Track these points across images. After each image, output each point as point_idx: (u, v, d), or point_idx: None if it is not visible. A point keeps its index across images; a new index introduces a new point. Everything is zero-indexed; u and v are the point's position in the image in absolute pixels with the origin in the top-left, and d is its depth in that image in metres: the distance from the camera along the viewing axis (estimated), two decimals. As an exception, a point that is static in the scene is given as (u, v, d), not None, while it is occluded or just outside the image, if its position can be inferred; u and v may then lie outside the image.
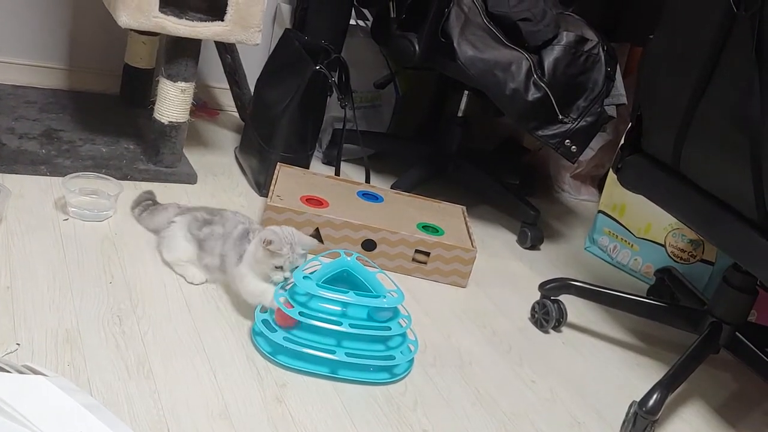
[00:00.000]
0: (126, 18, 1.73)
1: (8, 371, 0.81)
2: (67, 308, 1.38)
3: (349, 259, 1.45)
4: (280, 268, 1.43)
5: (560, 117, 1.93)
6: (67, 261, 1.52)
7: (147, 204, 1.71)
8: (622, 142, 1.67)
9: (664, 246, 2.04)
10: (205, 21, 1.81)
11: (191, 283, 1.54)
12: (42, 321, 1.33)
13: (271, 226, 1.50)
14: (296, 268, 1.44)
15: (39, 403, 0.77)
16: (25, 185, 1.73)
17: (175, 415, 1.19)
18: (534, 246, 2.11)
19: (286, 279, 1.43)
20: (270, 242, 1.42)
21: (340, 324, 1.38)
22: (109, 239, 1.63)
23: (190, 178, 1.95)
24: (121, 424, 0.82)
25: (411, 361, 1.47)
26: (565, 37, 1.91)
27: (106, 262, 1.55)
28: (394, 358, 1.42)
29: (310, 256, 1.49)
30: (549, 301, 1.72)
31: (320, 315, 1.39)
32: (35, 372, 0.83)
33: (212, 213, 1.58)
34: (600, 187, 2.37)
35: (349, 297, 1.39)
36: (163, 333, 1.39)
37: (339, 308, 1.40)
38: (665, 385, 1.45)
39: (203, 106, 2.38)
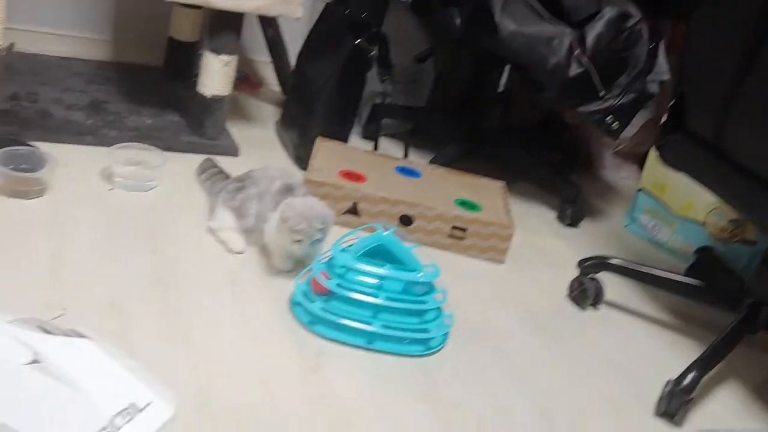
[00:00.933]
0: (170, -9, 1.75)
1: (55, 334, 0.84)
2: (112, 276, 1.42)
3: (385, 233, 1.46)
4: (299, 242, 1.46)
5: (602, 93, 1.91)
6: (112, 230, 1.56)
7: (213, 171, 1.74)
8: (665, 119, 1.65)
9: (704, 225, 2.02)
10: (248, -6, 1.82)
11: (231, 251, 1.57)
12: (87, 288, 1.37)
13: (291, 200, 1.52)
14: (316, 241, 1.48)
15: (83, 364, 0.80)
16: (71, 155, 1.77)
17: (215, 382, 1.23)
18: (573, 223, 2.10)
19: (305, 253, 1.49)
20: (287, 219, 1.45)
21: (376, 296, 1.40)
22: (153, 209, 1.67)
23: (232, 150, 1.98)
24: (162, 386, 0.85)
25: (446, 335, 1.48)
26: (608, 13, 1.88)
27: (150, 231, 1.59)
28: (429, 332, 1.44)
29: (348, 229, 1.51)
30: (587, 279, 1.72)
31: (357, 287, 1.41)
32: (81, 335, 0.86)
33: (241, 179, 1.61)
34: (641, 165, 2.34)
35: (386, 270, 1.41)
36: (205, 301, 1.42)
37: (375, 281, 1.42)
38: (701, 365, 1.45)
39: (246, 80, 2.40)
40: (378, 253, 1.46)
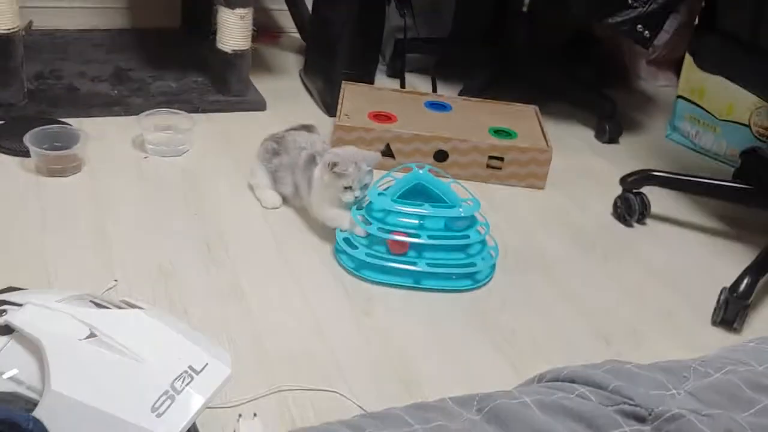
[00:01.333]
0: (178, -50, 1.72)
1: (107, 307, 0.85)
2: (158, 242, 1.44)
3: (421, 171, 1.45)
4: (350, 188, 1.43)
5: (630, 2, 1.84)
6: (152, 197, 1.57)
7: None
8: (697, 22, 1.59)
9: (748, 126, 1.96)
10: (256, -57, 1.78)
11: (265, 208, 1.58)
12: (136, 257, 1.39)
13: (332, 149, 1.50)
14: (365, 185, 1.45)
15: (138, 334, 0.81)
16: (102, 127, 1.78)
17: (270, 335, 1.24)
18: (613, 139, 2.06)
19: (356, 198, 1.44)
20: (335, 164, 1.42)
21: (418, 236, 1.40)
22: (189, 173, 1.68)
23: (260, 105, 1.97)
24: (217, 347, 0.86)
25: (493, 266, 1.47)
26: None
27: (189, 195, 1.60)
28: (476, 265, 1.43)
29: (383, 172, 1.50)
30: (631, 195, 1.69)
31: (399, 229, 1.40)
32: (132, 306, 0.87)
33: (278, 141, 1.59)
34: (678, 71, 2.28)
35: (425, 209, 1.40)
36: (251, 258, 1.43)
37: (416, 221, 1.41)
38: (756, 269, 1.42)
39: (263, 31, 2.37)
40: (416, 193, 1.44)
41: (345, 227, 1.45)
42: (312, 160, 1.51)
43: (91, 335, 0.79)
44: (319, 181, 1.47)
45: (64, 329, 0.80)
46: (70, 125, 1.70)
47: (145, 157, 1.71)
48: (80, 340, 0.79)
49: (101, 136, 1.74)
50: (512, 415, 0.46)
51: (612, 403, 0.47)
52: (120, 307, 0.87)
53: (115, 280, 1.31)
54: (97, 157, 1.67)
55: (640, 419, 0.46)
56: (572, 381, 0.51)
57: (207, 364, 0.80)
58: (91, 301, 0.87)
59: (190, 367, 0.79)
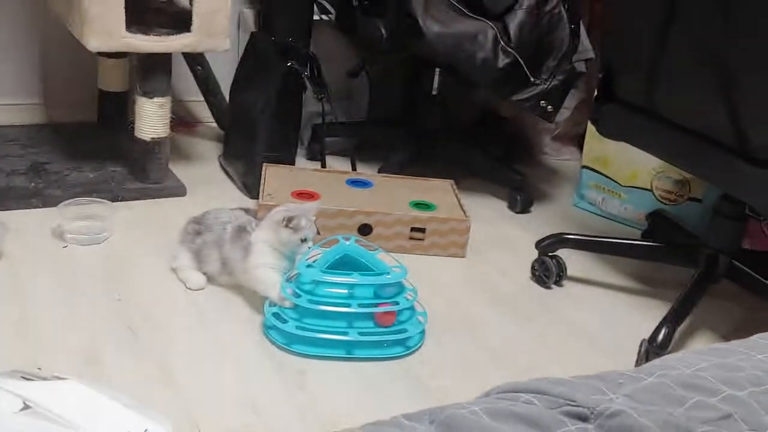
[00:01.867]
0: (95, 42, 1.75)
1: (37, 380, 0.83)
2: (82, 329, 1.40)
3: (348, 243, 1.48)
4: (305, 240, 1.48)
5: (532, 79, 1.96)
6: (74, 285, 1.54)
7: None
8: (596, 93, 1.70)
9: (651, 190, 2.08)
10: (172, 35, 1.83)
11: (190, 289, 1.57)
12: (59, 344, 1.35)
13: (276, 208, 1.53)
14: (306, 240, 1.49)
15: (72, 403, 0.79)
16: (20, 219, 1.75)
17: (204, 414, 1.22)
18: (525, 209, 2.15)
19: (309, 249, 1.48)
20: (291, 219, 1.46)
21: (348, 305, 1.41)
22: (109, 259, 1.65)
23: (179, 190, 1.98)
24: (157, 412, 0.85)
25: (422, 332, 1.50)
26: (525, 0, 1.94)
27: (111, 280, 1.57)
28: (406, 331, 1.45)
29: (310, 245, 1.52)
30: (547, 258, 1.75)
31: (329, 300, 1.42)
32: (62, 379, 0.85)
33: (199, 221, 1.60)
34: (580, 146, 2.41)
35: (354, 278, 1.42)
36: (179, 339, 1.41)
37: (346, 291, 1.43)
38: (671, 320, 1.49)
39: (181, 121, 2.40)
40: (344, 264, 1.47)
41: (275, 297, 1.46)
42: (242, 230, 1.53)
43: (26, 407, 0.77)
44: (264, 243, 1.49)
45: (-5, 404, 0.78)
46: (-15, 218, 1.67)
47: (65, 246, 1.68)
48: (14, 413, 0.76)
49: (19, 227, 1.71)
50: (463, 423, 0.48)
51: (556, 405, 0.50)
52: (49, 380, 0.85)
53: (39, 368, 1.27)
54: (16, 248, 1.63)
55: (584, 418, 0.49)
56: (516, 391, 0.53)
57: (147, 429, 0.79)
58: (21, 377, 0.85)
59: (130, 434, 0.78)
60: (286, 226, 1.47)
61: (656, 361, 0.61)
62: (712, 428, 0.47)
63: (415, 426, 0.50)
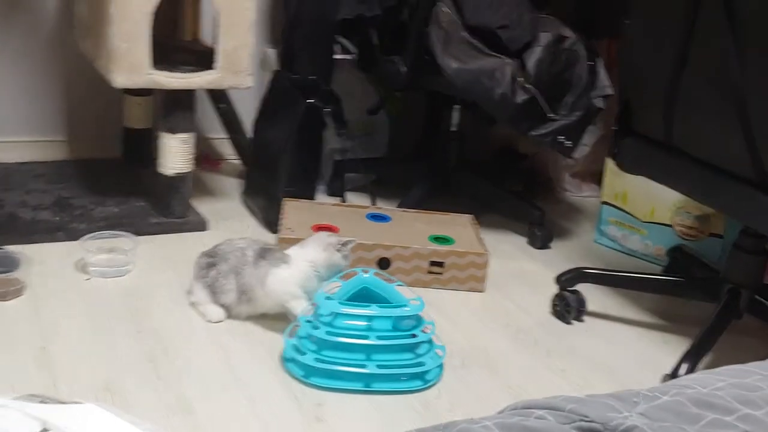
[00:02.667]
0: (121, 78, 1.79)
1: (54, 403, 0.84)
2: (102, 360, 1.42)
3: (366, 275, 1.48)
4: (346, 257, 1.57)
5: (550, 115, 1.98)
6: (95, 317, 1.56)
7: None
8: (615, 127, 1.71)
9: (671, 226, 2.08)
10: (197, 72, 1.87)
11: (210, 322, 1.58)
12: (80, 375, 1.36)
13: (318, 234, 1.62)
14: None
15: (90, 426, 0.80)
16: (44, 253, 1.77)
17: (221, 444, 1.22)
18: (545, 245, 2.14)
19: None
20: (346, 243, 1.56)
21: (367, 338, 1.41)
22: (131, 292, 1.67)
23: (201, 225, 2.00)
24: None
25: (441, 366, 1.49)
26: (543, 38, 1.97)
27: (132, 313, 1.59)
28: (425, 365, 1.45)
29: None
30: (567, 293, 1.75)
31: (346, 332, 1.42)
32: (80, 403, 0.86)
33: (210, 254, 1.62)
34: (600, 182, 2.41)
35: (372, 310, 1.43)
36: (198, 371, 1.42)
37: (364, 323, 1.43)
38: (693, 355, 1.48)
39: (206, 158, 2.43)
40: (363, 297, 1.47)
41: (299, 309, 1.50)
42: (265, 251, 1.56)
43: (44, 430, 0.77)
44: (307, 263, 1.54)
45: (14, 426, 0.78)
46: (11, 250, 1.69)
47: (87, 279, 1.70)
48: (33, 435, 0.77)
49: (43, 260, 1.73)
50: (476, 436, 0.48)
51: (569, 420, 0.50)
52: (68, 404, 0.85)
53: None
54: (40, 280, 1.66)
55: (597, 434, 0.49)
56: (529, 408, 0.53)
57: (164, 453, 0.79)
58: (40, 401, 0.85)
59: (148, 457, 0.78)
60: (339, 250, 1.53)
61: (672, 381, 0.61)
62: (726, 445, 0.47)
63: (428, 440, 0.50)
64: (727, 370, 0.62)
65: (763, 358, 1.66)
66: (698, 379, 0.59)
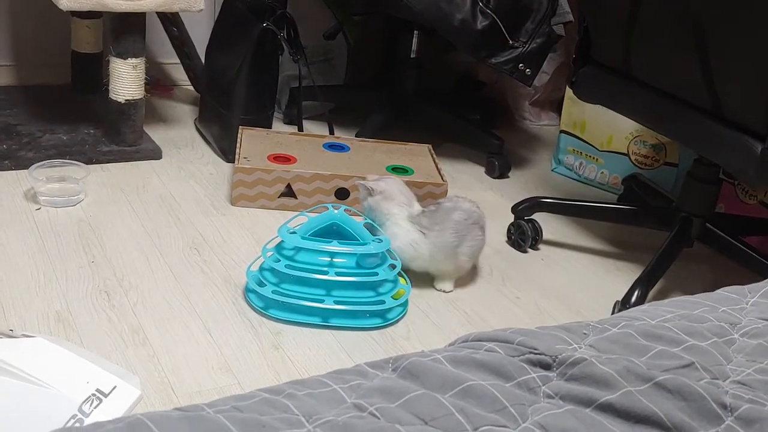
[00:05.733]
0: (66, 0, 1.71)
1: (6, 337, 0.83)
2: (54, 291, 1.39)
3: (336, 211, 1.46)
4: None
5: (510, 42, 1.95)
6: (47, 247, 1.53)
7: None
8: (574, 55, 1.70)
9: (627, 155, 2.09)
10: (146, -6, 1.80)
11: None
12: (32, 306, 1.34)
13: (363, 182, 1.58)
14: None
15: (41, 360, 0.79)
16: (-9, 182, 1.73)
17: (177, 374, 1.22)
18: (503, 174, 2.15)
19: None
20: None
21: (327, 273, 1.40)
22: (83, 221, 1.64)
23: (155, 153, 1.96)
24: (125, 370, 0.84)
25: (405, 305, 1.48)
26: (505, -37, 1.93)
27: (84, 243, 1.56)
28: (385, 303, 1.42)
29: (290, 214, 1.50)
30: (523, 221, 1.76)
31: (308, 266, 1.41)
32: (30, 336, 0.85)
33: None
34: (559, 111, 2.41)
35: (334, 246, 1.41)
36: (153, 301, 1.41)
37: (327, 259, 1.42)
38: (644, 282, 1.50)
39: (157, 83, 2.37)
40: (331, 233, 1.45)
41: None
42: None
43: (-8, 365, 0.77)
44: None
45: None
46: (-45, 179, 1.64)
47: (38, 209, 1.66)
48: (-20, 370, 0.76)
49: (-10, 189, 1.69)
50: (425, 369, 0.48)
51: (518, 353, 0.50)
52: (17, 338, 0.84)
53: (11, 329, 1.26)
54: (-13, 210, 1.61)
55: (546, 366, 0.49)
56: (479, 340, 0.53)
57: (115, 386, 0.79)
58: (-12, 335, 0.84)
59: (98, 390, 0.77)
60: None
61: (622, 313, 0.61)
62: (672, 376, 0.48)
63: (378, 373, 0.50)
64: (675, 302, 0.63)
65: (712, 285, 1.71)
66: (647, 310, 0.59)
